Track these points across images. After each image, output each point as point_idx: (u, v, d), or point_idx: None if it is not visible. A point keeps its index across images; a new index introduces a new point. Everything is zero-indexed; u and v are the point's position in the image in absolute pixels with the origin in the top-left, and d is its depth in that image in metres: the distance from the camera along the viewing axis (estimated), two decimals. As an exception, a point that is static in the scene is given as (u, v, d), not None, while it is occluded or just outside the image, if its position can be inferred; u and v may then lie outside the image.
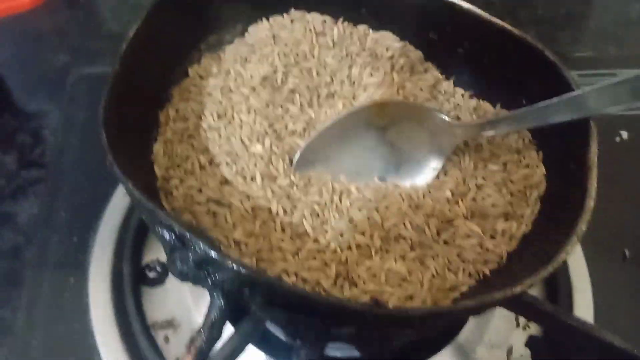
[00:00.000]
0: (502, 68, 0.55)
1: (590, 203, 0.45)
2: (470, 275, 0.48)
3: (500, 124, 0.51)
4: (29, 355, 0.52)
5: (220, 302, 0.37)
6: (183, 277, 0.36)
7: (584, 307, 0.58)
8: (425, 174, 0.54)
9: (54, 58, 0.81)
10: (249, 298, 0.37)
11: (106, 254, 0.57)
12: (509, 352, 0.55)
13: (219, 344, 0.40)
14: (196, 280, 0.37)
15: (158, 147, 0.51)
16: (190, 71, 0.57)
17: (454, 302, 0.45)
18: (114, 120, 0.43)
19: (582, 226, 0.43)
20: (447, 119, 0.53)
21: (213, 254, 0.35)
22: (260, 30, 0.61)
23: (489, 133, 0.52)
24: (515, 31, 0.53)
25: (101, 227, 0.59)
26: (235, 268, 0.35)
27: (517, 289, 0.38)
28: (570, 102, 0.47)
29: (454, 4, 0.54)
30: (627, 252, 0.64)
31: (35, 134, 0.72)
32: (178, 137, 0.53)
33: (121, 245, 0.58)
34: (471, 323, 0.57)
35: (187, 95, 0.56)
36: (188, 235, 0.35)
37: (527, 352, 0.55)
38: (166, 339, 0.54)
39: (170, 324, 0.54)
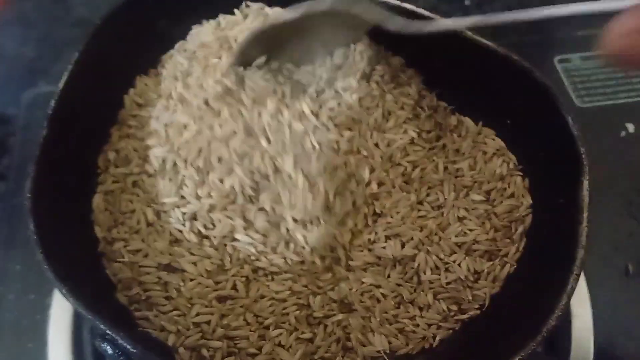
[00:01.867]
0: (485, 85, 0.53)
1: (581, 254, 0.44)
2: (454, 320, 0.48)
3: None
4: None
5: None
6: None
7: (583, 329, 0.58)
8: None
9: (19, 53, 0.78)
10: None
11: (65, 312, 0.55)
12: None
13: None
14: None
15: (98, 201, 0.49)
16: (126, 99, 0.54)
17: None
18: (46, 191, 0.42)
19: (573, 284, 0.43)
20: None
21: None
22: (204, 33, 0.56)
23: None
24: (500, 50, 0.51)
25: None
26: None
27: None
28: None
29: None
30: (630, 267, 0.63)
31: (3, 143, 0.70)
32: (120, 186, 0.50)
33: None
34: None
35: (126, 131, 0.53)
36: (134, 351, 0.34)
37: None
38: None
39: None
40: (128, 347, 0.34)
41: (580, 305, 0.59)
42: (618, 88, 0.76)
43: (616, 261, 0.63)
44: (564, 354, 0.55)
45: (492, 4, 0.85)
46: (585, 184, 0.46)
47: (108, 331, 0.35)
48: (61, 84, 0.45)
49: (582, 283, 0.60)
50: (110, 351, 0.35)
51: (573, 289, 0.42)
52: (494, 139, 0.55)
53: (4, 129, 0.71)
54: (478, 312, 0.49)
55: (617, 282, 0.62)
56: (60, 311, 0.56)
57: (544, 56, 0.79)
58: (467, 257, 0.49)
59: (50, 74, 0.75)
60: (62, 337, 0.54)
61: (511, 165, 0.53)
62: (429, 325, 0.48)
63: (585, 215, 0.45)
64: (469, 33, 0.51)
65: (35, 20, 0.82)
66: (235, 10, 0.58)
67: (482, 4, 0.85)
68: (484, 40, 0.51)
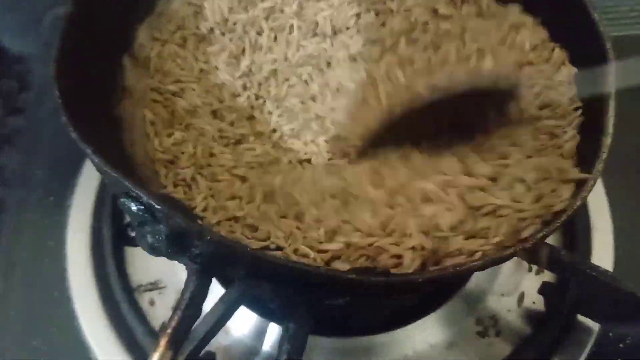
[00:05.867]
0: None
1: (608, 141, 0.43)
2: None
3: None
4: (6, 324, 0.52)
5: (198, 278, 0.36)
6: (155, 252, 0.35)
7: (604, 245, 0.57)
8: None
9: None
10: (231, 271, 0.36)
11: (85, 213, 0.56)
12: (520, 299, 0.55)
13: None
14: (171, 255, 0.36)
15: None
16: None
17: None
18: (72, 70, 0.41)
19: (599, 168, 0.42)
20: None
21: (189, 227, 0.34)
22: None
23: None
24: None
25: (79, 185, 0.58)
26: (216, 241, 0.34)
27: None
28: None
29: None
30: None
31: (21, 79, 0.70)
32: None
33: (100, 204, 0.56)
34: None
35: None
36: (159, 207, 0.34)
37: (539, 299, 0.54)
38: (151, 302, 0.53)
39: (155, 285, 0.54)
40: (152, 203, 0.34)
41: (601, 219, 0.59)
42: (640, 19, 0.75)
43: (637, 178, 0.63)
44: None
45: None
46: (611, 77, 0.45)
47: (133, 188, 0.34)
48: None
49: (602, 198, 0.60)
50: (134, 208, 0.35)
51: (599, 172, 0.42)
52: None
53: (23, 66, 0.72)
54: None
55: (637, 196, 0.62)
56: (80, 211, 0.56)
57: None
58: None
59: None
60: (80, 236, 0.55)
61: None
62: None
63: (611, 105, 0.44)
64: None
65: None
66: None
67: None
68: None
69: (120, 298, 0.52)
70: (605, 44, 0.47)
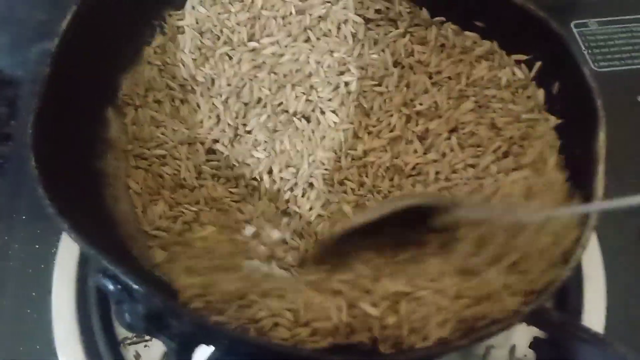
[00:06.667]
0: (502, 35, 0.53)
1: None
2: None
3: None
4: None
5: (177, 356, 0.35)
6: (133, 330, 0.35)
7: (595, 296, 0.56)
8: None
9: (30, 16, 0.75)
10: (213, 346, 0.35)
11: (70, 263, 0.55)
12: (512, 351, 0.54)
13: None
14: (149, 333, 0.35)
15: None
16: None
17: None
18: (50, 132, 0.41)
19: (588, 236, 0.41)
20: None
21: (167, 307, 0.33)
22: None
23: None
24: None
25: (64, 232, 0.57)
26: (194, 321, 0.33)
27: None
28: None
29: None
30: (643, 230, 0.61)
31: (12, 104, 0.68)
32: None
33: (86, 254, 0.54)
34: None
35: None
36: (137, 287, 0.33)
37: (531, 351, 0.53)
38: (137, 356, 0.52)
39: (141, 338, 0.52)
40: (130, 283, 0.33)
41: (593, 268, 0.58)
42: (634, 54, 0.74)
43: (630, 225, 0.62)
44: (576, 314, 0.54)
45: None
46: (602, 135, 0.44)
47: (110, 267, 0.34)
48: (65, 23, 0.44)
49: (594, 246, 0.59)
50: (111, 287, 0.34)
51: (588, 240, 0.41)
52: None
53: (13, 91, 0.69)
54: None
55: (630, 246, 0.61)
56: (65, 261, 0.55)
57: (560, 20, 0.76)
58: None
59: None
60: (66, 287, 0.54)
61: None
62: None
63: (601, 167, 0.43)
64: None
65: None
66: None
67: None
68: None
69: (105, 351, 0.51)
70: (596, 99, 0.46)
